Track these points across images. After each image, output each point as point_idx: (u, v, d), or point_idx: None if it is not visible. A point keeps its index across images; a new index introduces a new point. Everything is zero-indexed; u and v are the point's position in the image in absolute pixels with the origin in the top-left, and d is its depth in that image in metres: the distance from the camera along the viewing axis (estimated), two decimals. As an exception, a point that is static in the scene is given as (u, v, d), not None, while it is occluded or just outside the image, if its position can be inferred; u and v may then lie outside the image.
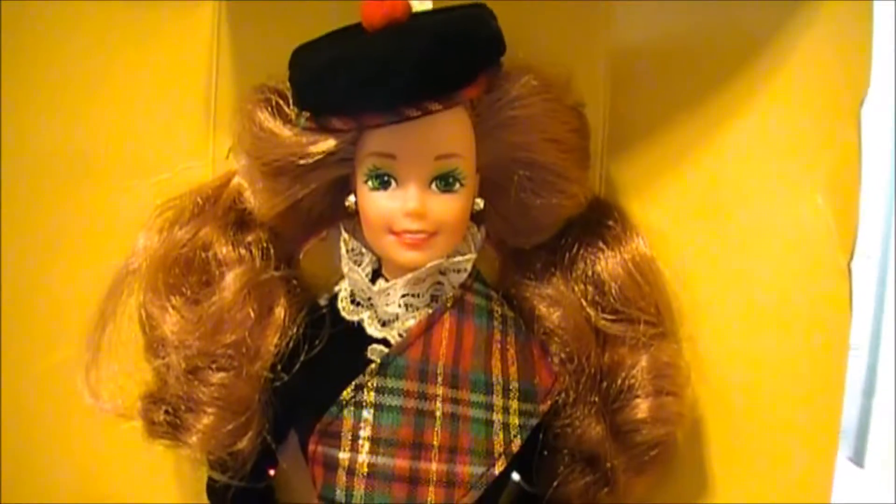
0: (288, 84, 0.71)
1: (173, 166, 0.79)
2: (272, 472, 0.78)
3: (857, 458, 1.38)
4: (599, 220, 0.77)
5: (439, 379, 0.70)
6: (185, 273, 0.74)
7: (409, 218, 0.68)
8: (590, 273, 0.76)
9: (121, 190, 0.81)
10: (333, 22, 0.71)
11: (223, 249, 0.74)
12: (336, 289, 0.75)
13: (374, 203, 0.69)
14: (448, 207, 0.69)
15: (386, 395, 0.69)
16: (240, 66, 0.79)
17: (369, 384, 0.70)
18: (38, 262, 0.83)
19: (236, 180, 0.76)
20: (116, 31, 0.80)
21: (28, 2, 0.79)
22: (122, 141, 0.81)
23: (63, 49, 0.80)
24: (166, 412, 0.73)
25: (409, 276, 0.70)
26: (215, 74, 0.80)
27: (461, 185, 0.69)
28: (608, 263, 0.76)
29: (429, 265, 0.70)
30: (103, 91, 0.81)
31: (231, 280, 0.73)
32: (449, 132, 0.69)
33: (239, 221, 0.76)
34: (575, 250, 0.76)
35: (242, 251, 0.74)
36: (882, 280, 1.38)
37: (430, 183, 0.69)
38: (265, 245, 0.75)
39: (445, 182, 0.69)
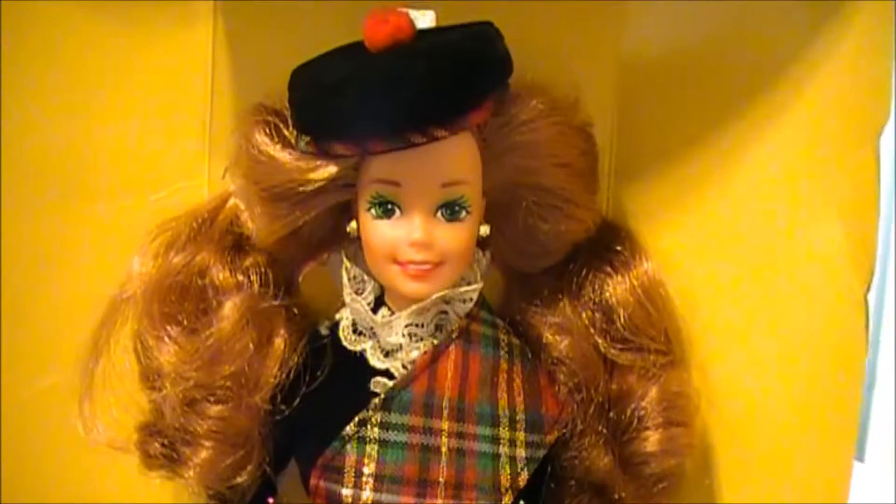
0: (287, 105, 0.68)
1: (168, 185, 0.77)
2: (271, 501, 0.76)
3: (858, 453, 1.37)
4: (607, 245, 0.75)
5: (445, 413, 0.68)
6: (181, 300, 0.71)
7: (414, 248, 0.66)
8: (598, 300, 0.74)
9: (114, 209, 0.78)
10: (333, 39, 0.68)
11: (220, 275, 0.72)
12: (337, 316, 0.73)
13: (378, 232, 0.67)
14: (454, 237, 0.67)
15: (390, 431, 0.68)
16: (236, 84, 0.76)
17: (373, 419, 0.68)
18: (32, 279, 0.80)
19: (233, 201, 0.74)
20: (111, 47, 0.76)
21: (24, 21, 0.76)
22: (115, 159, 0.78)
23: (56, 66, 0.77)
24: (163, 445, 0.71)
25: (414, 307, 0.68)
26: (211, 92, 0.77)
27: (467, 213, 0.67)
28: (616, 289, 0.74)
29: (434, 296, 0.68)
30: (96, 108, 0.77)
31: (229, 309, 0.70)
32: (455, 158, 0.66)
33: (236, 245, 0.73)
34: (583, 276, 0.74)
35: (240, 277, 0.72)
36: (882, 272, 1.37)
37: (436, 211, 0.66)
38: (263, 270, 0.72)
39: (451, 210, 0.67)
